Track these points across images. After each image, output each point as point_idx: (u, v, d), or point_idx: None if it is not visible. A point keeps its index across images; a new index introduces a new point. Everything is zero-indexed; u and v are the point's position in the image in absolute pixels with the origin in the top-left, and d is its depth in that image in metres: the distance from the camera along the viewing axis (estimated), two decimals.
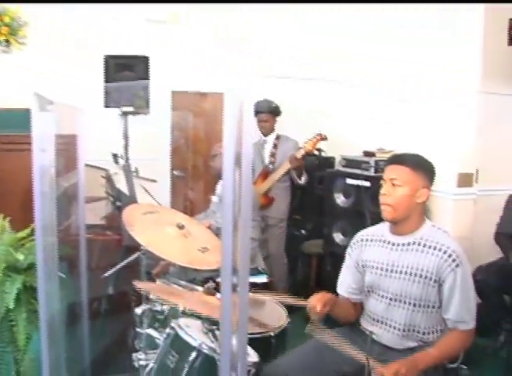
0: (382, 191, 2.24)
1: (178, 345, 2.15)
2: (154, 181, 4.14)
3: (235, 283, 1.08)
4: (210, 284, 1.69)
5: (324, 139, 4.33)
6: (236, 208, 1.02)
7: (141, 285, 1.99)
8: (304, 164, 4.32)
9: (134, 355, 2.45)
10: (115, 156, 4.11)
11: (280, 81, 4.75)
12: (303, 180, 4.37)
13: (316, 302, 2.12)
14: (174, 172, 5.36)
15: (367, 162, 3.79)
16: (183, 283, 2.74)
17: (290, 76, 4.80)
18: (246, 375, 2.06)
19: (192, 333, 2.15)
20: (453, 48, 3.90)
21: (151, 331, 2.42)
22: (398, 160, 2.27)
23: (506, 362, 3.43)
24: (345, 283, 2.46)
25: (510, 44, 4.03)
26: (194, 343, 2.09)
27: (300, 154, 4.25)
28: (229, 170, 1.00)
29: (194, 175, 5.35)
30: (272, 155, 4.49)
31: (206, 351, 2.06)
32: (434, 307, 2.21)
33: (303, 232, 4.71)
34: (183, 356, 2.10)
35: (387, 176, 2.25)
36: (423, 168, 2.25)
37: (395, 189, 2.20)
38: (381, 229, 2.36)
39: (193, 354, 2.07)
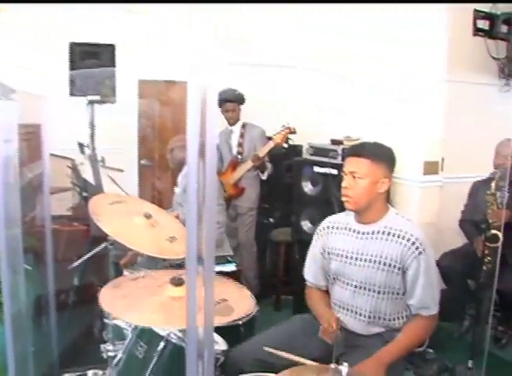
0: (343, 184, 2.26)
1: (147, 335, 2.15)
2: (121, 170, 4.09)
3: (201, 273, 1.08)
4: (177, 274, 1.67)
5: (293, 132, 4.33)
6: (200, 198, 1.02)
7: (105, 293, 1.88)
8: (264, 162, 4.34)
9: (102, 346, 2.42)
10: (81, 145, 4.05)
11: (245, 68, 4.70)
12: (265, 176, 4.41)
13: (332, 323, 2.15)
14: (142, 162, 5.31)
15: (334, 150, 3.81)
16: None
17: (256, 63, 4.76)
18: (215, 363, 2.08)
19: None
20: (420, 38, 3.93)
21: (119, 322, 2.40)
22: (358, 152, 2.27)
23: (470, 346, 3.50)
24: (312, 270, 2.48)
25: (474, 34, 4.10)
26: (162, 333, 2.09)
27: (262, 153, 4.25)
28: (193, 159, 0.99)
29: (161, 165, 5.30)
30: (240, 145, 4.49)
31: (174, 340, 2.06)
32: (398, 294, 2.24)
33: (271, 220, 4.73)
34: (152, 346, 2.10)
35: (347, 169, 2.26)
36: (382, 158, 2.25)
37: (356, 182, 2.22)
38: (347, 218, 2.38)
39: (162, 344, 2.07)
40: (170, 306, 1.67)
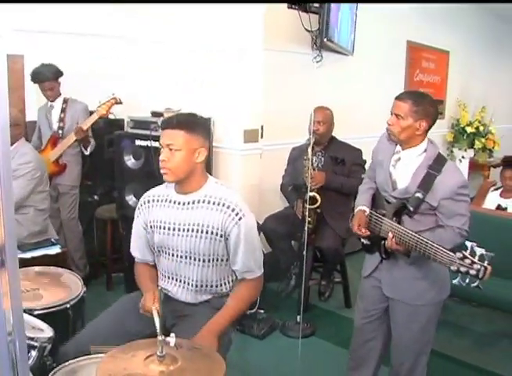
0: (161, 157, 2.22)
1: None
2: None
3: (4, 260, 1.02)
4: None
5: (119, 102, 4.19)
6: None
7: None
8: (87, 136, 4.17)
9: None
10: None
11: (60, 37, 4.41)
12: (88, 151, 4.24)
13: (152, 305, 2.10)
14: None
15: (155, 122, 3.73)
16: None
17: (71, 32, 4.47)
18: (43, 352, 1.98)
19: None
20: (238, 7, 4.01)
21: None
22: (172, 124, 2.24)
23: (297, 302, 3.73)
24: (137, 246, 2.46)
25: (289, 7, 4.27)
26: None
27: (86, 125, 4.08)
28: None
29: None
30: (61, 120, 4.25)
31: None
32: (223, 260, 2.30)
33: (96, 197, 4.55)
34: None
35: (163, 142, 2.22)
36: (197, 128, 2.26)
37: (173, 154, 2.19)
38: (166, 189, 2.38)
39: None
40: None
